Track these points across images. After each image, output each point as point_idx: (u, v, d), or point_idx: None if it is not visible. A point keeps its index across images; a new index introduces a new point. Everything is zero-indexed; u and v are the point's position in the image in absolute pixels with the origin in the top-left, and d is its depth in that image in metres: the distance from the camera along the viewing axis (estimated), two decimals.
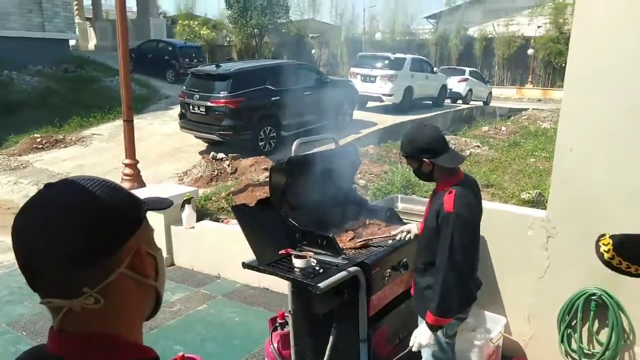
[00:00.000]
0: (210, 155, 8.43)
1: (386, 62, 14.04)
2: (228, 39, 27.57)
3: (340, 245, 2.53)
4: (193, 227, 4.86)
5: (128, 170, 5.95)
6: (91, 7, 22.72)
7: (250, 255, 2.40)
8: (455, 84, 17.40)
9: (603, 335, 2.74)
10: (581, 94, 2.66)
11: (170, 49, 16.97)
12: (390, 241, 2.64)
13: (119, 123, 8.21)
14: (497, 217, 3.02)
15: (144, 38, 18.81)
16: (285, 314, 2.88)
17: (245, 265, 2.41)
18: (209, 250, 4.75)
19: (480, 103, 18.54)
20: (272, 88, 9.07)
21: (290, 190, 2.63)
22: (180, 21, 25.25)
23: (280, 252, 2.42)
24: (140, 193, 4.94)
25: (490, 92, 19.96)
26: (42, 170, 8.73)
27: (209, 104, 8.68)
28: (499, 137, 11.18)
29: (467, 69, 19.02)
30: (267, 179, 2.76)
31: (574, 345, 2.81)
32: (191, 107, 8.99)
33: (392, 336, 2.66)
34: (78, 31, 19.95)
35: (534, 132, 11.59)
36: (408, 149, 2.18)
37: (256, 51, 25.20)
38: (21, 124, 10.92)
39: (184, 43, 18.80)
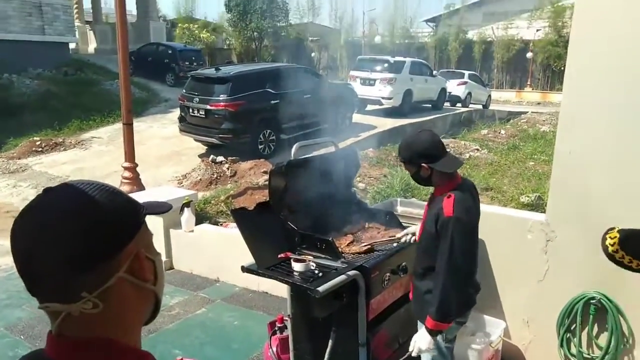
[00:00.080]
0: (210, 159, 8.43)
1: (385, 65, 14.06)
2: (228, 42, 27.63)
3: (340, 249, 2.53)
4: (192, 231, 4.86)
5: (127, 174, 5.95)
6: (91, 11, 22.77)
7: (249, 259, 2.40)
8: (455, 87, 17.43)
9: (602, 339, 2.73)
10: (580, 97, 2.66)
11: (170, 52, 16.99)
12: (395, 244, 2.64)
13: (118, 126, 8.21)
14: (496, 220, 3.02)
15: (144, 41, 18.84)
16: (285, 318, 2.87)
17: (245, 269, 2.41)
18: (208, 254, 4.75)
19: (480, 106, 18.57)
20: (272, 91, 9.08)
21: (289, 194, 2.63)
22: (180, 24, 25.30)
23: (279, 256, 2.42)
24: (140, 196, 4.94)
25: (490, 96, 20.01)
26: (42, 174, 8.73)
27: (208, 107, 8.69)
28: (498, 141, 11.20)
29: (467, 72, 19.06)
30: (267, 183, 2.76)
31: (574, 350, 2.80)
32: (191, 111, 9.00)
33: (391, 340, 2.65)
34: (78, 34, 19.97)
35: (533, 135, 11.62)
36: (406, 154, 2.19)
37: (256, 54, 25.25)
38: (21, 127, 10.92)
39: (183, 46, 18.82)
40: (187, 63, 16.55)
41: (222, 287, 4.58)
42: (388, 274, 2.50)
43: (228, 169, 7.95)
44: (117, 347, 0.71)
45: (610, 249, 1.14)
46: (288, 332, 2.79)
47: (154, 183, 7.32)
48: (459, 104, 17.58)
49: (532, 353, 3.06)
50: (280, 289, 3.85)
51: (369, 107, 13.50)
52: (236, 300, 4.31)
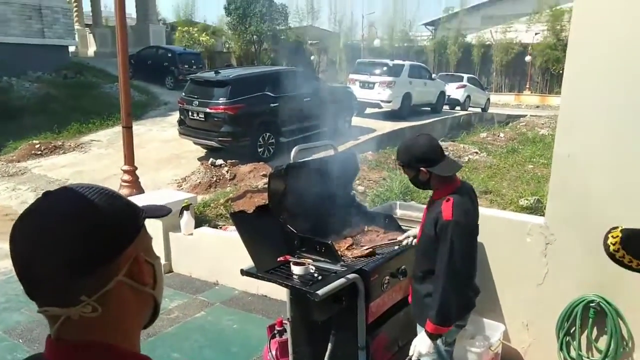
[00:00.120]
0: (209, 162, 8.43)
1: (385, 68, 14.10)
2: (227, 45, 27.68)
3: (340, 252, 2.53)
4: (191, 234, 4.85)
5: (127, 177, 5.95)
6: (91, 14, 22.81)
7: (248, 262, 2.40)
8: (454, 91, 17.47)
9: (602, 343, 2.73)
10: (579, 100, 2.67)
11: (169, 55, 17.03)
12: (396, 247, 2.64)
13: (118, 129, 8.21)
14: (495, 223, 3.02)
15: (144, 44, 18.87)
16: (284, 321, 2.87)
17: (244, 272, 2.41)
18: (207, 257, 4.74)
19: (479, 109, 18.61)
20: (271, 94, 9.09)
21: (289, 197, 2.63)
22: (179, 28, 25.38)
23: (278, 259, 2.42)
24: (139, 199, 4.94)
25: (489, 99, 20.05)
26: (41, 177, 8.72)
27: (208, 110, 8.69)
28: (497, 144, 11.21)
29: (465, 76, 19.11)
30: (266, 186, 2.76)
31: (573, 353, 2.80)
32: (190, 114, 9.00)
33: (391, 344, 2.65)
34: (77, 37, 20.03)
35: (532, 138, 11.63)
36: (404, 158, 2.20)
37: (255, 58, 25.29)
38: (20, 130, 10.92)
39: (183, 49, 18.87)
40: (186, 66, 16.58)
41: (221, 290, 4.58)
42: (387, 277, 2.50)
43: (227, 172, 7.95)
44: (116, 351, 0.71)
45: (611, 247, 1.14)
46: (287, 335, 2.79)
47: (153, 186, 7.32)
48: (458, 107, 17.61)
49: (532, 356, 3.06)
50: (279, 292, 3.85)
51: (368, 110, 13.52)
52: (235, 304, 4.30)
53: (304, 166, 2.80)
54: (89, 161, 9.58)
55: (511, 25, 27.19)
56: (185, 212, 4.77)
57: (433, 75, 16.51)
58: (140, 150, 7.74)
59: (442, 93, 15.97)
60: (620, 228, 1.16)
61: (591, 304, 2.71)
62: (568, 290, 2.78)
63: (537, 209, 5.47)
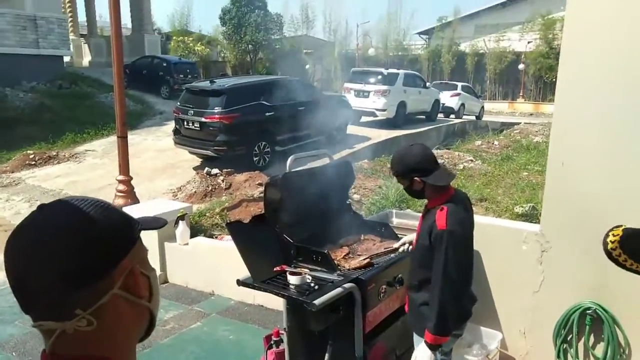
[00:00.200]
0: (205, 171, 8.42)
1: (379, 77, 14.18)
2: (222, 55, 27.74)
3: (336, 261, 2.52)
4: (187, 244, 4.83)
5: (122, 187, 5.92)
6: (86, 24, 22.84)
7: (244, 272, 2.39)
8: (448, 99, 17.58)
9: (599, 350, 2.73)
10: (572, 108, 2.69)
11: (164, 65, 17.04)
12: (392, 255, 2.63)
13: (112, 139, 8.21)
14: (491, 231, 3.03)
15: (139, 54, 18.90)
16: (280, 332, 2.85)
17: (240, 283, 2.39)
18: (203, 267, 4.71)
19: (473, 117, 18.73)
20: (267, 103, 9.11)
21: (285, 206, 2.63)
22: (174, 37, 25.43)
23: (275, 269, 2.41)
24: (134, 209, 4.92)
25: (483, 107, 20.18)
26: (35, 187, 8.66)
27: (203, 119, 8.70)
28: (491, 151, 11.27)
29: (460, 84, 19.24)
30: (262, 195, 2.76)
31: None
32: (185, 123, 9.00)
33: (388, 353, 2.64)
34: (72, 48, 20.02)
35: (526, 146, 11.71)
36: (398, 168, 2.21)
37: (250, 67, 25.37)
38: (14, 141, 10.87)
39: (178, 59, 18.90)
40: (181, 76, 16.60)
41: (217, 300, 4.55)
42: (384, 286, 2.50)
43: (223, 181, 7.94)
44: None
45: (609, 245, 1.14)
46: (284, 345, 2.77)
47: (148, 196, 7.29)
48: (452, 115, 17.72)
49: None
50: (276, 302, 3.82)
51: (363, 119, 13.57)
52: (231, 314, 4.27)
53: (300, 175, 2.80)
54: (84, 171, 9.54)
55: (504, 34, 27.48)
56: (180, 221, 4.75)
57: (427, 84, 16.61)
58: (135, 160, 7.72)
59: (437, 101, 16.06)
60: (623, 227, 1.16)
61: (587, 311, 2.71)
62: (564, 297, 2.79)
63: (532, 216, 5.49)
